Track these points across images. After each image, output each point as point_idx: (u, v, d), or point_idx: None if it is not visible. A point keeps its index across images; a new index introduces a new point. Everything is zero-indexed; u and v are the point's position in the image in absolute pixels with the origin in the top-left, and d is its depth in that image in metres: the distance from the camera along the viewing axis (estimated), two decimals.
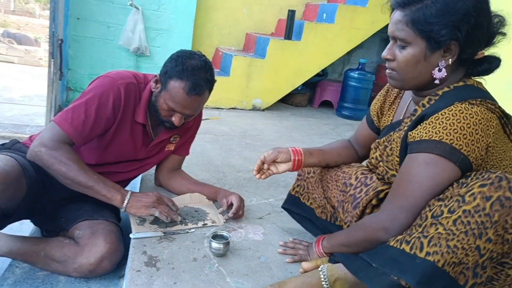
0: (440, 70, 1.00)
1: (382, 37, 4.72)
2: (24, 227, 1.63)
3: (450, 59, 0.99)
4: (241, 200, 1.57)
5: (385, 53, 1.05)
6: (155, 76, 1.44)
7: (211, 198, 1.66)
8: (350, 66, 4.75)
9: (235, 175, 2.08)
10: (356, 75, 4.00)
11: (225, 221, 1.53)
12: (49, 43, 3.24)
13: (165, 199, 1.44)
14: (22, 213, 1.35)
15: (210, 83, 1.42)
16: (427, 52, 0.98)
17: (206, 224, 1.49)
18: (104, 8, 3.67)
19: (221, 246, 1.29)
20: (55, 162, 1.26)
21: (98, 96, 1.33)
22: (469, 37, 0.95)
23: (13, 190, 1.23)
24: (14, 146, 1.43)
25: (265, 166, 1.34)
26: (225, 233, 1.35)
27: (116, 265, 1.36)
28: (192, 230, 1.44)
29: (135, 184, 2.18)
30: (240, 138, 2.80)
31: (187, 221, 1.48)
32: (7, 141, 1.47)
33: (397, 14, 1.00)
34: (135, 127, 1.48)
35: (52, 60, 3.11)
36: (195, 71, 1.35)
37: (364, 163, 1.35)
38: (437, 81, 1.02)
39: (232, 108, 3.69)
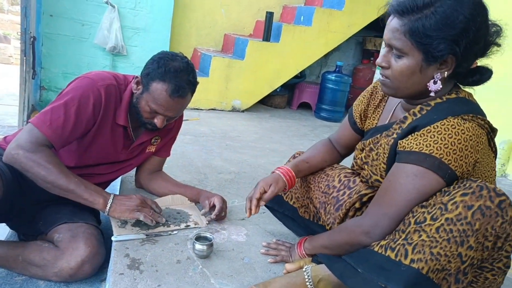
0: (435, 83, 0.98)
1: (357, 40, 4.83)
2: None
3: (446, 72, 0.97)
4: (224, 202, 1.57)
5: (379, 60, 1.03)
6: (136, 77, 1.42)
7: (193, 200, 1.65)
8: (328, 68, 4.83)
9: (216, 176, 2.08)
10: (333, 78, 4.07)
11: (207, 222, 1.53)
12: (21, 41, 3.13)
13: (149, 201, 1.42)
14: None
15: (192, 85, 1.41)
16: (423, 65, 0.96)
17: (189, 226, 1.49)
18: (78, 5, 3.58)
19: (205, 247, 1.29)
20: (33, 165, 1.22)
21: (78, 98, 1.30)
22: (467, 51, 0.94)
23: None
24: None
25: (262, 202, 1.27)
26: (208, 235, 1.35)
27: (98, 269, 1.33)
28: (175, 232, 1.43)
29: (114, 186, 2.14)
30: (220, 139, 2.80)
31: (169, 223, 1.47)
32: None
33: (395, 22, 0.97)
34: (115, 129, 1.45)
35: (25, 58, 3.00)
36: (178, 73, 1.34)
37: (344, 163, 1.38)
38: (432, 94, 1.01)
39: (212, 109, 3.68)
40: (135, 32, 3.83)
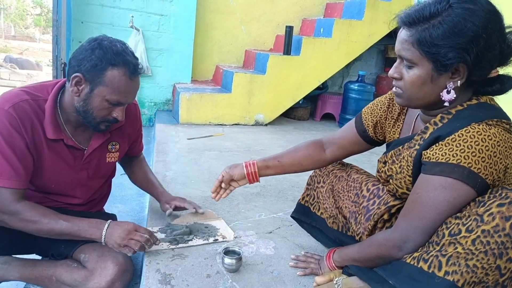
0: (448, 92, 0.97)
1: (379, 49, 4.79)
2: None
3: (459, 81, 0.95)
4: (185, 200, 1.63)
5: (392, 72, 1.03)
6: (76, 77, 1.22)
7: (157, 199, 1.67)
8: (350, 78, 4.80)
9: (242, 190, 2.09)
10: (356, 87, 4.04)
11: (235, 236, 1.54)
12: (53, 67, 3.30)
13: (142, 230, 1.32)
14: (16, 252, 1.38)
15: (136, 58, 1.30)
16: (433, 74, 0.95)
17: (217, 239, 1.50)
18: (105, 31, 3.73)
19: (234, 261, 1.29)
20: (23, 225, 1.21)
21: (0, 132, 1.18)
22: (479, 59, 0.92)
23: None
24: None
25: (223, 185, 1.42)
26: (236, 249, 1.36)
27: (128, 285, 1.35)
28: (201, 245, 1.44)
29: (143, 203, 2.19)
30: (245, 153, 2.82)
31: (197, 237, 1.49)
32: None
33: (403, 33, 0.97)
34: (54, 146, 1.30)
35: None
36: (124, 52, 1.24)
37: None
38: (446, 103, 0.99)
39: (235, 124, 3.72)
40: (159, 53, 3.95)
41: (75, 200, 1.43)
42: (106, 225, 1.28)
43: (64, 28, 3.30)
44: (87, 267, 1.31)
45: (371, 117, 1.28)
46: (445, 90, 0.97)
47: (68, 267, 1.34)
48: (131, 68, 1.24)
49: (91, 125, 1.30)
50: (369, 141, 1.31)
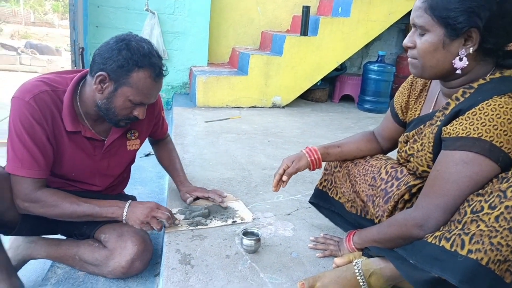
0: (461, 59, 0.96)
1: (399, 28, 4.64)
2: None
3: (471, 48, 0.94)
4: (207, 190, 1.64)
5: (406, 41, 1.04)
6: (99, 75, 1.21)
7: (177, 187, 1.69)
8: (369, 59, 4.69)
9: (260, 172, 2.09)
10: (375, 68, 3.94)
11: (253, 218, 1.54)
12: (71, 52, 3.33)
13: (162, 208, 1.36)
14: (36, 232, 1.42)
15: (161, 58, 1.30)
16: (445, 40, 0.95)
17: (236, 221, 1.51)
18: (121, 14, 3.74)
19: (253, 242, 1.30)
20: (45, 211, 1.25)
21: (20, 123, 1.19)
22: (491, 26, 0.91)
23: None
24: None
25: (284, 177, 1.34)
26: (255, 230, 1.36)
27: (148, 264, 1.38)
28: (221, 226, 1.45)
29: (163, 185, 2.22)
30: (262, 136, 2.81)
31: (216, 218, 1.50)
32: None
33: (417, 1, 0.99)
34: (74, 136, 1.31)
35: (75, 67, 3.19)
36: (150, 54, 1.23)
37: (393, 156, 1.33)
38: (458, 71, 0.98)
39: (252, 107, 3.70)
40: (175, 36, 3.93)
41: (95, 188, 1.46)
42: (128, 204, 1.32)
43: (81, 13, 3.32)
44: (107, 247, 1.34)
45: (399, 100, 1.28)
46: (458, 58, 0.97)
47: (90, 247, 1.38)
48: (157, 70, 1.24)
49: (111, 121, 1.31)
50: (403, 125, 1.29)
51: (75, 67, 3.23)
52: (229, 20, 4.22)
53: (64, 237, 1.51)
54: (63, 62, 7.60)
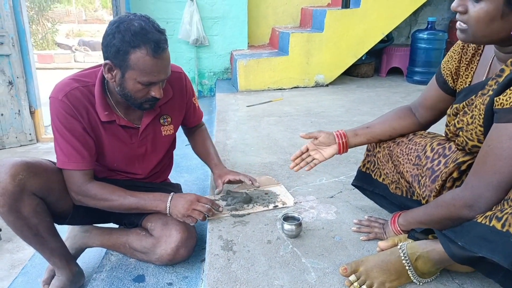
0: None
1: None
2: None
3: None
4: (239, 173, 1.57)
5: (455, 5, 0.92)
6: (105, 64, 1.24)
7: (212, 171, 1.66)
8: (418, 27, 4.39)
9: None
10: (425, 36, 3.69)
11: (295, 202, 1.53)
12: None
13: (203, 200, 1.37)
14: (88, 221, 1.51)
15: (162, 33, 1.24)
16: (504, 9, 0.84)
17: (277, 206, 1.50)
18: (161, 4, 3.81)
19: (294, 227, 1.29)
20: (96, 203, 1.32)
21: (59, 121, 1.26)
22: None
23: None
24: None
25: (304, 155, 1.33)
26: (296, 215, 1.35)
27: (194, 250, 1.43)
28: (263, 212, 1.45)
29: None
30: (304, 117, 2.76)
31: (258, 204, 1.50)
32: None
33: None
34: (109, 126, 1.36)
35: None
36: (145, 31, 1.18)
37: (441, 132, 1.24)
38: None
39: (294, 87, 3.63)
40: (214, 21, 3.94)
41: (138, 176, 1.51)
42: (170, 198, 1.35)
43: (123, 5, 3.43)
44: (153, 235, 1.40)
45: (448, 66, 1.16)
46: None
47: (137, 235, 1.44)
48: (152, 46, 1.18)
49: (134, 106, 1.33)
50: (452, 94, 1.18)
51: None
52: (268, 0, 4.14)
53: (116, 226, 1.60)
54: None
